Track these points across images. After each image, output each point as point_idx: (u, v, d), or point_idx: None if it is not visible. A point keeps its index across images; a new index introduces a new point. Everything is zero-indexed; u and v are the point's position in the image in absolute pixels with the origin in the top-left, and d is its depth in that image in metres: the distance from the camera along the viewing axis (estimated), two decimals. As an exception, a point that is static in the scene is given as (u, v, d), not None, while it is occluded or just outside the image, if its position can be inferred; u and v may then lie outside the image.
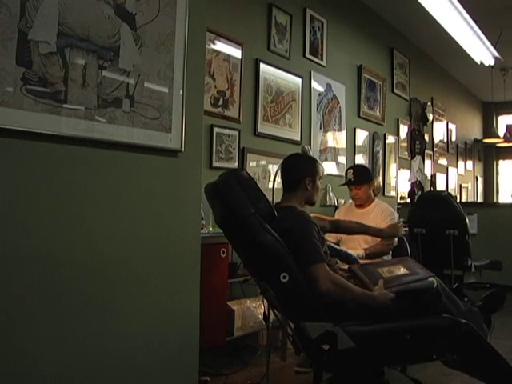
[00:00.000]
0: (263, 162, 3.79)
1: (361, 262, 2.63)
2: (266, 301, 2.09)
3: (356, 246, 3.20)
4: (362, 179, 3.36)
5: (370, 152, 5.34)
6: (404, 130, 6.19)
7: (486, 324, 2.24)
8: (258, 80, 3.73)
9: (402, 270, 2.11)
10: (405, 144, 6.22)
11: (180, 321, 1.85)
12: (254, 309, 2.94)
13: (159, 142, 1.78)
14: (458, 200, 6.47)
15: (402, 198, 5.89)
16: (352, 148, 5.00)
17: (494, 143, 8.56)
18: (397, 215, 3.40)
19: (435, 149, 7.18)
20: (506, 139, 8.09)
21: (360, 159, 5.13)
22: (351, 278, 2.08)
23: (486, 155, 9.64)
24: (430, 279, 2.08)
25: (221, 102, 3.40)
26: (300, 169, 2.28)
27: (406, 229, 4.05)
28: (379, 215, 3.30)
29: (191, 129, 1.89)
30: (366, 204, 3.39)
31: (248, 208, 1.83)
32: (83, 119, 1.57)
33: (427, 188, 6.30)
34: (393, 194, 5.85)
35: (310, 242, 1.94)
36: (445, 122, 7.53)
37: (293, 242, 1.90)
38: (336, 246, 2.89)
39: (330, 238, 3.58)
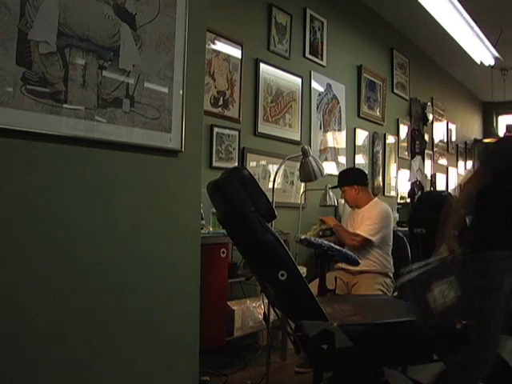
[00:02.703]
0: (263, 162, 3.79)
1: None
2: (266, 300, 2.09)
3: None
4: (341, 182, 3.49)
5: (369, 152, 5.34)
6: (404, 130, 6.19)
7: None
8: (258, 80, 3.73)
9: None
10: (405, 144, 6.22)
11: (180, 321, 1.85)
12: (253, 309, 2.94)
13: (159, 142, 1.78)
14: (458, 200, 6.44)
15: (402, 198, 5.88)
16: (352, 148, 5.00)
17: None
18: (387, 220, 3.30)
19: (435, 149, 7.18)
20: (506, 139, 8.08)
21: (360, 159, 5.13)
22: None
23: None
24: None
25: (221, 101, 3.40)
26: None
27: (406, 229, 4.05)
28: (365, 215, 3.30)
29: (191, 129, 1.89)
30: (362, 204, 3.39)
31: (248, 206, 1.84)
32: (83, 119, 1.56)
33: (427, 188, 6.30)
34: (393, 193, 5.84)
35: None
36: (445, 122, 7.53)
37: None
38: (336, 246, 2.89)
39: (330, 220, 3.62)
